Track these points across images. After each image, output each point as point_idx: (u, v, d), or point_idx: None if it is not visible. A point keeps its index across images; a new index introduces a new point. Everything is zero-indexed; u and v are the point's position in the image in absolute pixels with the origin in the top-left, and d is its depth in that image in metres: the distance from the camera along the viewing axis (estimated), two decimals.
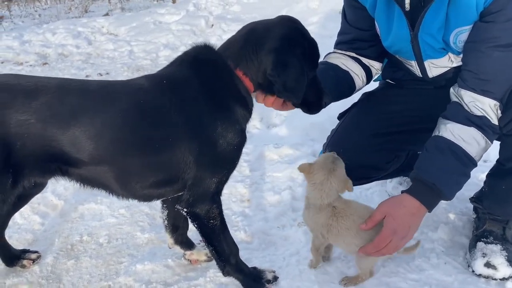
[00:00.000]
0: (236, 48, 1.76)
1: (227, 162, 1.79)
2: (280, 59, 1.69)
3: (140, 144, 1.69)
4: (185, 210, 1.80)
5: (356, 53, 2.20)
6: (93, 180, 1.74)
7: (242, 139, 1.81)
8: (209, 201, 1.79)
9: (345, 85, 2.18)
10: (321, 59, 1.96)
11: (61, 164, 1.66)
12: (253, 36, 1.75)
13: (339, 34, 2.27)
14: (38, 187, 2.04)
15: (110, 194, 1.79)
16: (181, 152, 1.70)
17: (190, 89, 1.74)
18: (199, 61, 1.78)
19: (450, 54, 1.97)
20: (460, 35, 1.86)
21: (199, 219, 1.81)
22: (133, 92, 1.74)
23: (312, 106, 1.88)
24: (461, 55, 1.93)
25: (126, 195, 1.79)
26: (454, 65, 2.00)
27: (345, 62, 2.18)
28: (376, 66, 2.25)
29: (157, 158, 1.70)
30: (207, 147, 1.73)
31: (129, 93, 1.74)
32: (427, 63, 2.02)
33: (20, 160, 1.60)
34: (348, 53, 2.21)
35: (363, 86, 2.28)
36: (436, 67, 2.02)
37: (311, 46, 1.79)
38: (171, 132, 1.70)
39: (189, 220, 1.86)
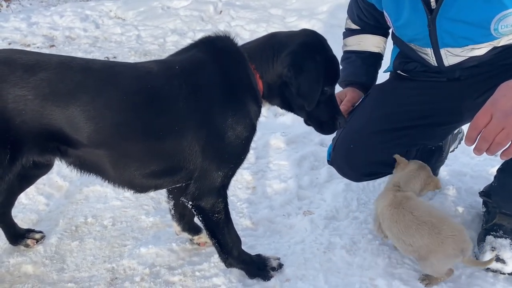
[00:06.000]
0: (253, 45, 1.81)
1: (234, 156, 1.76)
2: (297, 61, 1.70)
3: (144, 129, 1.65)
4: (190, 203, 1.78)
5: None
6: (90, 163, 1.70)
7: (251, 134, 1.78)
8: (215, 195, 1.76)
9: (373, 66, 2.28)
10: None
11: (59, 143, 1.62)
12: (273, 39, 1.79)
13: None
14: (45, 168, 2.02)
15: (106, 181, 1.75)
16: (187, 140, 1.67)
17: (202, 74, 1.70)
18: (214, 47, 1.76)
19: (472, 45, 1.86)
20: (505, 19, 1.73)
21: (204, 213, 1.79)
22: (141, 75, 1.69)
23: (325, 125, 1.85)
24: (493, 40, 1.83)
25: (122, 182, 1.74)
26: (473, 54, 1.90)
27: (361, 39, 2.23)
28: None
29: (161, 145, 1.66)
30: (215, 137, 1.69)
31: (136, 75, 1.70)
32: (443, 51, 1.92)
33: (19, 137, 1.57)
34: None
35: (385, 47, 2.34)
36: (453, 55, 1.93)
37: (332, 62, 1.78)
38: (179, 118, 1.65)
39: (194, 213, 1.84)
